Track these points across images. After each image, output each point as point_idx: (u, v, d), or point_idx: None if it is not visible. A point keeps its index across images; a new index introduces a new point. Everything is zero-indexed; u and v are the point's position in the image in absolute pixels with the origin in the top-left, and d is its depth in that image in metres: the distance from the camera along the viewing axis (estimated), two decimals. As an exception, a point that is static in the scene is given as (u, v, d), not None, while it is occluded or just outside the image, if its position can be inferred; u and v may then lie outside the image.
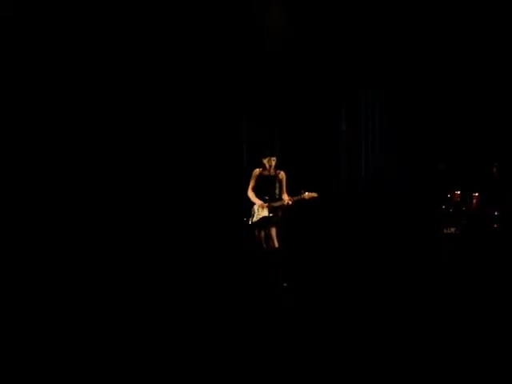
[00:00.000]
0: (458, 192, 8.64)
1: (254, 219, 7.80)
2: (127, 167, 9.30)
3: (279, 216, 7.77)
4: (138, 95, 9.46)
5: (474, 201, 8.61)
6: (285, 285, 7.54)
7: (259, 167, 7.90)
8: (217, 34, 9.58)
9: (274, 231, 7.72)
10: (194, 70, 9.60)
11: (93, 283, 7.59)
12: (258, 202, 7.80)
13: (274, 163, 7.80)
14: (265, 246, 7.77)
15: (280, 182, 7.82)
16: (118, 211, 9.12)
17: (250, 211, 7.86)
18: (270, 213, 7.72)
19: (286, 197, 7.76)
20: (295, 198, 7.70)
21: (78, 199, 9.01)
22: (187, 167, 9.62)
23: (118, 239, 8.86)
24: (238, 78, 9.84)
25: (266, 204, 7.75)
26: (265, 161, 7.82)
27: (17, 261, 8.20)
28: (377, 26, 9.71)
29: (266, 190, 7.78)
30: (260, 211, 7.79)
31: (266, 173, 7.85)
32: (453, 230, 8.56)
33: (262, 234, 7.78)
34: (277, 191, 7.79)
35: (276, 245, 7.71)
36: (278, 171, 7.84)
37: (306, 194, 7.66)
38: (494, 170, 9.01)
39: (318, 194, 7.68)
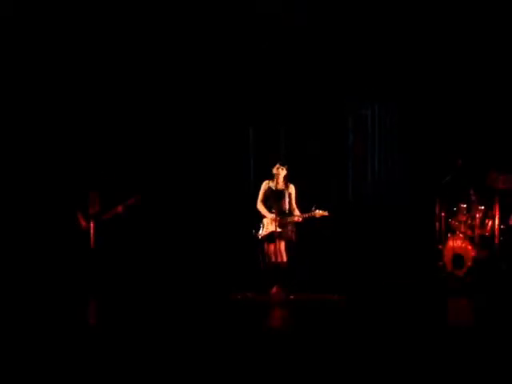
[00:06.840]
0: (464, 205, 8.69)
1: (263, 233, 7.83)
2: (134, 177, 9.35)
3: (288, 230, 7.77)
4: (143, 106, 9.53)
5: (480, 214, 8.65)
6: (292, 297, 7.64)
7: (268, 179, 7.89)
8: (224, 46, 9.66)
9: (283, 245, 7.77)
10: (200, 82, 9.68)
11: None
12: (268, 215, 7.80)
13: (283, 173, 7.77)
14: (273, 259, 7.82)
15: (290, 195, 7.79)
16: (125, 222, 9.19)
17: (259, 224, 7.87)
18: (279, 227, 7.71)
19: (297, 213, 7.76)
20: (305, 215, 7.69)
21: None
22: (194, 179, 9.69)
23: (126, 250, 8.93)
24: (244, 89, 9.91)
25: (277, 218, 7.70)
26: (274, 169, 7.78)
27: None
28: (386, 39, 9.75)
29: (276, 204, 7.75)
30: (269, 225, 7.80)
31: (274, 186, 7.83)
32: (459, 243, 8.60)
33: (272, 247, 7.81)
34: (286, 206, 7.77)
35: (284, 259, 7.77)
36: (287, 184, 7.82)
37: (317, 212, 7.63)
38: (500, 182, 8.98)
39: (328, 212, 7.63)
